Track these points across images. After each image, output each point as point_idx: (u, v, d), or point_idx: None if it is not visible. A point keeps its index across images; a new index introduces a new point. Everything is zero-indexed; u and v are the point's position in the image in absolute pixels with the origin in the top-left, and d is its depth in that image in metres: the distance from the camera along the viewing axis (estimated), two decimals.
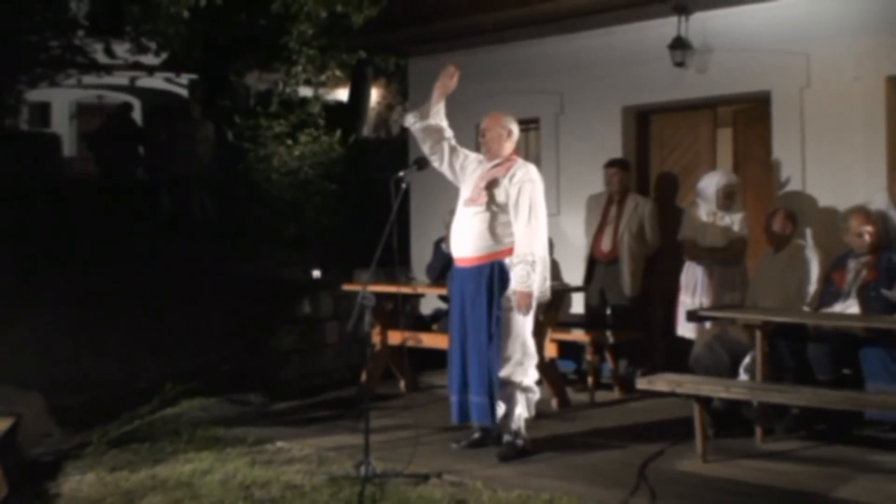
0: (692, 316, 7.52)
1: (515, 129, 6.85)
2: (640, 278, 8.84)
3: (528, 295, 6.46)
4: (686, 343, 8.11)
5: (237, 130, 15.36)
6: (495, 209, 6.55)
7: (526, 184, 6.54)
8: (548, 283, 6.71)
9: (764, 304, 7.46)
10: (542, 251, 6.57)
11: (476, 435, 6.83)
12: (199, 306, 10.05)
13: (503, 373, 6.53)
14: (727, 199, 8.11)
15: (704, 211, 8.20)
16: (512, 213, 6.53)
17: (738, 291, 8.00)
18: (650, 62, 9.09)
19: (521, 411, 6.62)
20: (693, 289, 8.14)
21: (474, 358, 6.61)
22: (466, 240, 6.67)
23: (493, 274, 6.52)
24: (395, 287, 8.11)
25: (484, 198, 6.58)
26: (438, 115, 6.86)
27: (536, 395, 6.73)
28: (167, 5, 15.73)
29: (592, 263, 8.98)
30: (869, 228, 7.07)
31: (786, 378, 6.85)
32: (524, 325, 6.59)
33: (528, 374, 6.64)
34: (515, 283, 6.46)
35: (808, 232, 8.02)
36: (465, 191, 6.79)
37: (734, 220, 8.12)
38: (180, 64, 22.92)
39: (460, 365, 6.70)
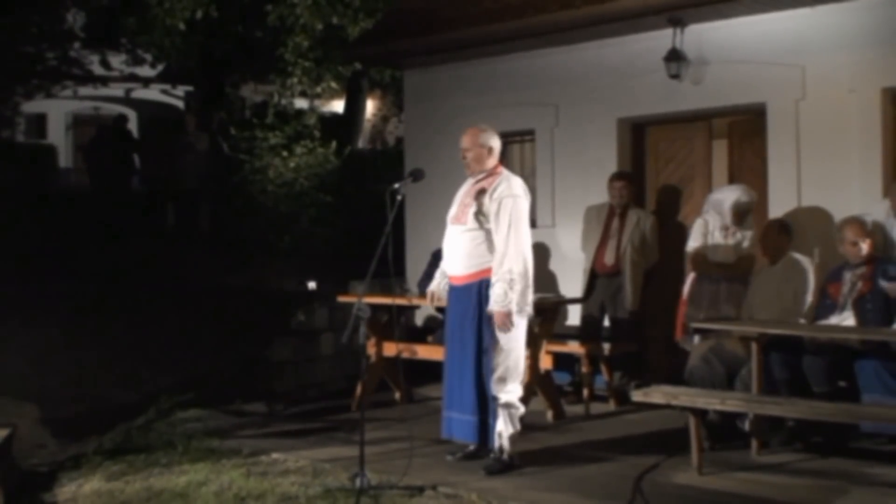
0: (689, 329, 7.50)
1: (496, 143, 6.74)
2: (640, 291, 8.82)
3: (506, 314, 6.37)
4: (687, 355, 8.06)
5: (233, 142, 15.38)
6: (480, 226, 6.50)
7: (506, 199, 6.45)
8: (531, 298, 6.55)
9: (760, 317, 7.43)
10: (521, 266, 6.41)
11: (471, 448, 6.79)
12: (195, 317, 10.05)
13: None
14: (742, 215, 8.05)
15: (716, 225, 8.11)
16: (493, 229, 6.46)
17: (741, 308, 7.92)
18: (645, 74, 9.10)
19: (503, 427, 6.53)
20: (698, 302, 8.08)
21: (466, 376, 6.59)
22: (456, 258, 6.66)
23: (482, 292, 6.49)
24: (390, 299, 8.10)
25: (469, 215, 6.55)
26: None
27: (520, 410, 6.62)
28: (163, 17, 15.74)
29: (593, 276, 8.94)
30: (865, 239, 7.05)
31: (781, 390, 6.85)
32: (515, 339, 6.51)
33: (509, 391, 6.52)
34: (493, 303, 6.39)
35: (804, 244, 8.00)
36: (453, 208, 6.77)
37: (745, 237, 8.03)
38: (176, 76, 22.96)
39: (450, 381, 6.71)
